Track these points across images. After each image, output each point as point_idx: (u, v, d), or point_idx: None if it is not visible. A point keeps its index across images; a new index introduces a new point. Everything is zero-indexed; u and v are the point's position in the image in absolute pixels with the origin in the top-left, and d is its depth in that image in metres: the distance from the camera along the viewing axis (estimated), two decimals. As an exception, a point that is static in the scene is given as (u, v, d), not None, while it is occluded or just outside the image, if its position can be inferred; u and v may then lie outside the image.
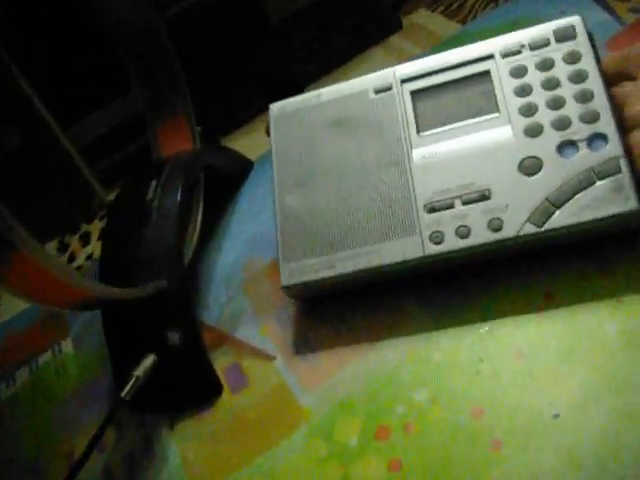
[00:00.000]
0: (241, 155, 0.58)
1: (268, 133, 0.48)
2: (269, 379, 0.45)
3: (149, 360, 0.44)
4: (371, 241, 0.43)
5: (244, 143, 0.60)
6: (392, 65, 0.47)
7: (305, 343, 0.45)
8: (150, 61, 0.54)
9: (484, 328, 0.41)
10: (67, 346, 0.56)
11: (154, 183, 0.49)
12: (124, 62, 0.55)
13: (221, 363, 0.47)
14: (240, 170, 0.57)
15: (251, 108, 0.59)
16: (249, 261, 0.51)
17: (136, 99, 0.57)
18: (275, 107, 0.48)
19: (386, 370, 0.42)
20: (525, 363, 0.38)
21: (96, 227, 0.65)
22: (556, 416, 0.36)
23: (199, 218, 0.55)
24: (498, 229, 0.41)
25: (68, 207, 0.63)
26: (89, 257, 0.63)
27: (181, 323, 0.46)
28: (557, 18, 0.44)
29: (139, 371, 0.43)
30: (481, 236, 0.41)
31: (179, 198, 0.48)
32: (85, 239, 0.63)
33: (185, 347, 0.45)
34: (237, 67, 0.63)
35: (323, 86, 0.47)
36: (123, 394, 0.41)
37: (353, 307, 0.45)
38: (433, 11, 0.72)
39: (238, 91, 0.64)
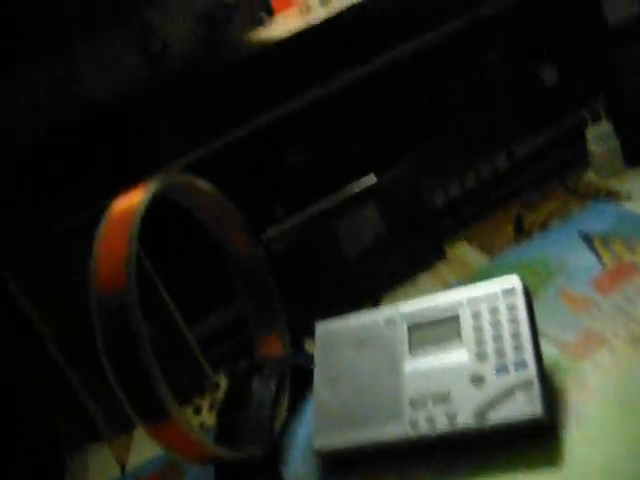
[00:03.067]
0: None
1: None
2: None
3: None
4: (374, 423, 0.66)
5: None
6: (435, 289, 0.72)
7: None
8: (256, 288, 0.82)
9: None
10: None
11: (256, 376, 0.75)
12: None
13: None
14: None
15: (330, 315, 0.84)
16: None
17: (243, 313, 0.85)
18: (320, 325, 0.75)
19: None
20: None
21: (206, 401, 0.92)
22: None
23: (286, 401, 0.78)
24: (452, 422, 0.63)
25: (184, 383, 0.91)
26: (201, 425, 0.90)
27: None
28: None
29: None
30: (442, 424, 0.64)
31: (274, 389, 0.73)
32: (197, 410, 0.91)
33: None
34: (320, 291, 0.91)
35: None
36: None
37: (372, 467, 0.67)
38: (470, 244, 0.97)
39: (320, 303, 0.92)
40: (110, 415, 0.93)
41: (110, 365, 0.56)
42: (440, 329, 0.69)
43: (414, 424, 0.65)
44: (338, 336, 0.73)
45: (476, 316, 0.68)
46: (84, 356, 0.90)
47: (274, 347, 0.80)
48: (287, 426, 0.78)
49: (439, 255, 0.96)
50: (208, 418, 0.88)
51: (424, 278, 0.94)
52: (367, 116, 0.96)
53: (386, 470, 0.67)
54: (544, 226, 0.94)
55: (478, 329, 0.67)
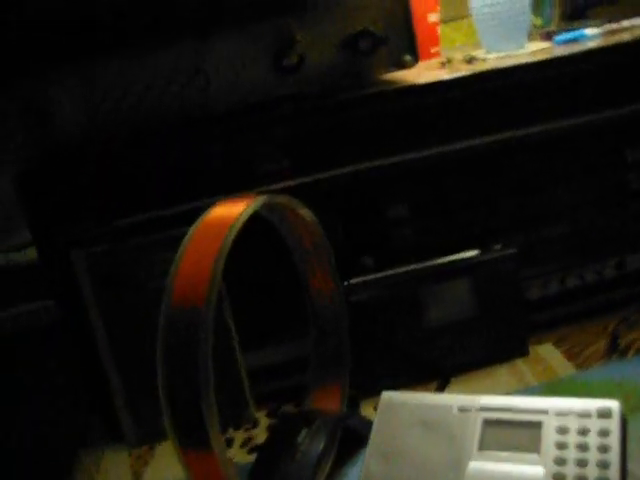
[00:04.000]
0: (370, 424, 0.77)
1: (375, 410, 0.68)
2: None
3: None
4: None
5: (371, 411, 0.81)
6: (510, 386, 0.66)
7: None
8: (328, 333, 0.77)
9: None
10: None
11: (305, 431, 0.69)
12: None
13: None
14: (367, 434, 0.76)
15: (394, 381, 0.78)
16: None
17: (308, 352, 0.80)
18: (386, 394, 0.69)
19: None
20: None
21: (240, 436, 0.87)
22: None
23: (329, 464, 0.72)
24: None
25: (223, 412, 0.86)
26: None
27: None
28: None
29: None
30: (499, 542, 0.57)
31: (321, 449, 0.68)
32: (228, 443, 0.85)
33: None
34: (391, 352, 0.86)
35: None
36: None
37: None
38: (557, 348, 0.91)
39: (385, 367, 0.86)
40: (139, 422, 0.88)
41: (165, 377, 0.51)
42: (518, 434, 0.63)
43: (467, 531, 0.58)
44: (403, 411, 0.67)
45: (562, 431, 0.61)
46: (130, 357, 0.86)
47: (330, 402, 0.75)
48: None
49: (522, 351, 0.89)
50: (238, 454, 0.83)
51: (501, 371, 0.88)
52: (484, 188, 0.90)
53: None
54: (643, 350, 0.87)
55: (561, 446, 0.61)
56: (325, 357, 0.76)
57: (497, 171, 0.91)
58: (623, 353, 0.87)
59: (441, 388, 0.83)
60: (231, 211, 0.57)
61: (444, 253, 0.87)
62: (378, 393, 0.80)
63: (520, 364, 0.89)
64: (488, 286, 0.86)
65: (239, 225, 0.55)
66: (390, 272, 0.84)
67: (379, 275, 0.84)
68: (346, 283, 0.83)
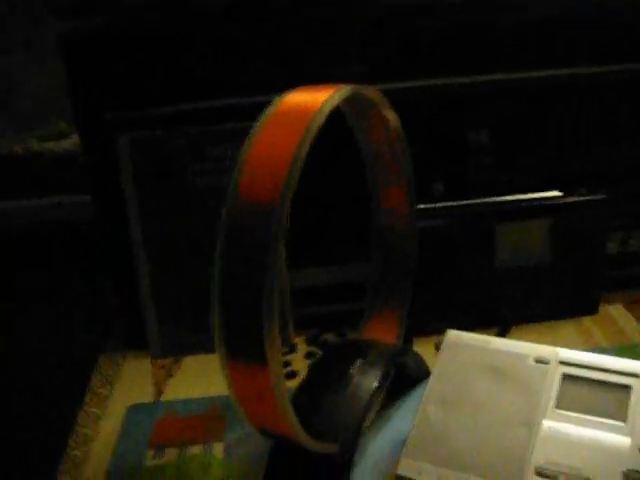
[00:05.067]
0: (425, 363, 0.71)
1: (437, 349, 0.61)
2: None
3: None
4: (480, 475, 0.53)
5: (425, 350, 0.74)
6: (577, 344, 0.59)
7: None
8: (393, 259, 0.69)
9: None
10: (218, 450, 0.67)
11: (359, 362, 0.62)
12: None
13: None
14: (420, 374, 0.69)
15: (450, 321, 0.71)
16: (395, 458, 0.59)
17: (365, 276, 0.72)
18: (452, 333, 0.62)
19: None
20: None
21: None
22: None
23: (377, 406, 0.65)
24: (585, 514, 0.50)
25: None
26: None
27: None
28: None
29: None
30: (569, 513, 0.50)
31: (376, 383, 0.61)
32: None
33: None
34: (456, 288, 0.78)
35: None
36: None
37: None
38: (630, 311, 0.83)
39: (448, 308, 0.79)
40: (166, 332, 0.82)
41: (223, 278, 0.44)
42: (603, 395, 0.56)
43: (535, 497, 0.52)
44: (471, 354, 0.60)
45: (655, 400, 0.54)
46: (164, 259, 0.79)
47: (386, 334, 0.68)
48: (369, 432, 0.65)
49: (591, 309, 0.82)
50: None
51: (567, 327, 0.80)
52: (576, 126, 0.81)
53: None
54: None
55: (653, 417, 0.53)
56: (386, 284, 0.68)
57: (592, 109, 0.81)
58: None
59: (501, 336, 0.75)
60: (314, 97, 0.49)
61: (522, 191, 0.79)
62: (432, 332, 0.73)
63: (588, 323, 0.81)
64: (568, 232, 0.78)
65: (325, 113, 0.47)
66: (463, 202, 0.76)
67: (450, 204, 0.76)
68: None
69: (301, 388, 0.60)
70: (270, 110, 0.50)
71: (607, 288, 0.85)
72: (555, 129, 0.81)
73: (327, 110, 0.47)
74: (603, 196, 0.78)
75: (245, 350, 0.44)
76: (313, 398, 0.59)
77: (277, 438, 0.55)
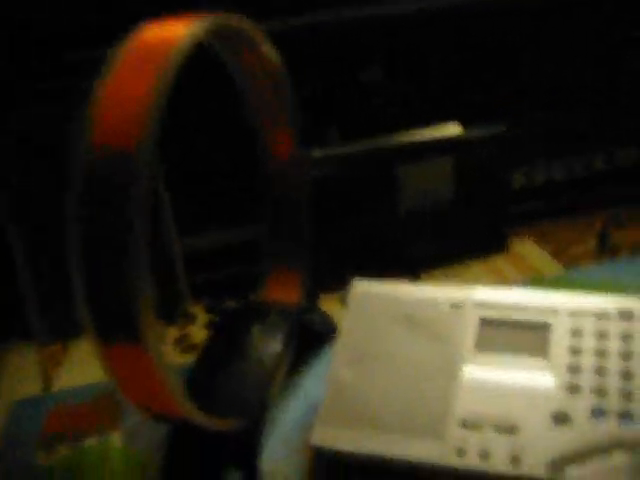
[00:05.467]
0: (332, 321, 0.66)
1: (343, 303, 0.56)
2: None
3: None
4: (401, 432, 0.49)
5: (331, 306, 0.69)
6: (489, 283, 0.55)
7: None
8: (285, 209, 0.63)
9: None
10: (116, 439, 0.61)
11: (258, 327, 0.57)
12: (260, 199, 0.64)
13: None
14: (329, 331, 0.64)
15: (358, 272, 0.66)
16: (310, 425, 0.54)
17: (259, 235, 0.66)
18: (359, 283, 0.57)
19: None
20: None
21: (174, 333, 0.74)
22: None
23: (286, 367, 0.59)
24: (515, 464, 0.46)
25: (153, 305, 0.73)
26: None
27: (244, 466, 0.50)
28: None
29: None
30: (499, 464, 0.46)
31: (281, 346, 0.55)
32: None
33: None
34: (358, 236, 0.73)
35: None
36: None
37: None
38: (540, 245, 0.80)
39: (354, 256, 0.74)
40: (49, 313, 0.74)
41: (83, 243, 0.37)
42: (522, 335, 0.52)
43: (461, 452, 0.48)
44: (380, 304, 0.56)
45: (576, 334, 0.51)
46: (41, 232, 0.71)
47: (286, 292, 0.62)
48: (278, 401, 0.60)
49: (501, 246, 0.79)
50: (170, 353, 0.70)
51: (477, 267, 0.77)
52: (471, 56, 0.77)
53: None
54: (633, 252, 0.77)
55: (575, 352, 0.50)
56: (280, 240, 0.62)
57: (486, 38, 0.78)
58: (614, 255, 0.77)
59: (411, 282, 0.71)
60: (173, 31, 0.42)
61: (421, 130, 0.74)
62: (339, 287, 0.68)
63: (499, 261, 0.78)
64: (470, 169, 0.74)
65: (185, 49, 0.40)
66: (359, 146, 0.71)
67: (347, 148, 0.71)
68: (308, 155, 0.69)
69: (198, 362, 0.54)
70: (125, 44, 0.43)
71: (515, 224, 0.82)
72: (451, 62, 0.77)
73: (187, 47, 0.40)
74: (503, 129, 0.74)
75: (114, 327, 0.38)
76: (211, 372, 0.53)
77: (171, 421, 0.49)
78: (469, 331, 0.53)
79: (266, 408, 0.52)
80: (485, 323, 0.53)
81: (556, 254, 0.78)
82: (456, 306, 0.54)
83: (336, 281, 0.68)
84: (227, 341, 0.56)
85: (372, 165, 0.71)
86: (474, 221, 0.77)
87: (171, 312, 0.76)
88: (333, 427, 0.51)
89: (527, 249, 0.80)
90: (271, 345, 0.54)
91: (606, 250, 0.78)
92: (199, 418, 0.45)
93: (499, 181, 0.77)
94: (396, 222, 0.72)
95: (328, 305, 0.69)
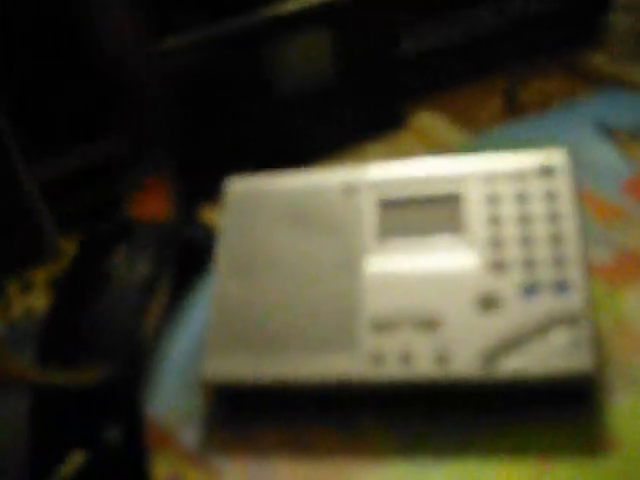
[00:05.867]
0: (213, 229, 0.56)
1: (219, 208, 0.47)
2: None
3: (76, 458, 0.39)
4: (304, 348, 0.41)
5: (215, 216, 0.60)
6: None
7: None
8: (138, 109, 0.53)
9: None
10: None
11: (123, 248, 0.47)
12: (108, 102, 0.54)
13: (160, 471, 0.42)
14: (212, 248, 0.54)
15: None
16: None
17: (114, 145, 0.56)
18: (233, 181, 0.48)
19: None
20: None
21: (44, 275, 0.63)
22: None
23: (163, 298, 0.50)
24: (442, 364, 0.39)
25: (15, 247, 0.62)
26: (28, 311, 0.61)
27: (124, 418, 0.42)
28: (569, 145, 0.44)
29: (63, 470, 0.38)
30: (423, 368, 0.39)
31: (148, 270, 0.46)
32: (26, 287, 0.61)
33: (123, 448, 0.40)
34: (233, 131, 0.63)
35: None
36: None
37: (293, 414, 0.42)
38: (440, 115, 0.72)
39: (230, 157, 0.63)
40: None
41: None
42: (431, 213, 0.44)
43: (377, 359, 0.40)
44: (261, 204, 0.47)
45: (492, 201, 0.43)
46: None
47: (154, 206, 0.52)
48: (160, 334, 0.50)
49: (396, 120, 0.70)
50: (41, 299, 0.59)
51: (375, 148, 0.68)
52: None
53: (316, 420, 0.42)
54: (542, 107, 0.70)
55: (494, 222, 0.42)
56: (138, 144, 0.52)
57: None
58: (522, 112, 0.70)
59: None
60: None
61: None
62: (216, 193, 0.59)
63: (399, 139, 0.69)
64: (353, 40, 0.64)
65: None
66: (217, 26, 0.60)
67: (204, 31, 0.60)
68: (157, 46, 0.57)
69: (54, 302, 0.44)
70: None
71: (411, 96, 0.73)
72: None
73: None
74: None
75: None
76: (71, 310, 0.43)
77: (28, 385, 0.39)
78: (367, 217, 0.44)
79: (141, 347, 0.43)
80: (384, 205, 0.44)
81: (461, 122, 0.70)
82: (348, 190, 0.45)
83: (217, 187, 0.58)
84: (87, 269, 0.46)
85: (236, 46, 0.60)
86: (363, 98, 0.67)
87: (37, 251, 0.65)
88: (224, 355, 0.42)
89: (428, 121, 0.71)
90: (139, 268, 0.44)
91: (514, 108, 0.71)
92: (49, 378, 0.36)
93: (386, 49, 0.68)
94: (274, 110, 0.62)
95: (210, 216, 0.59)
